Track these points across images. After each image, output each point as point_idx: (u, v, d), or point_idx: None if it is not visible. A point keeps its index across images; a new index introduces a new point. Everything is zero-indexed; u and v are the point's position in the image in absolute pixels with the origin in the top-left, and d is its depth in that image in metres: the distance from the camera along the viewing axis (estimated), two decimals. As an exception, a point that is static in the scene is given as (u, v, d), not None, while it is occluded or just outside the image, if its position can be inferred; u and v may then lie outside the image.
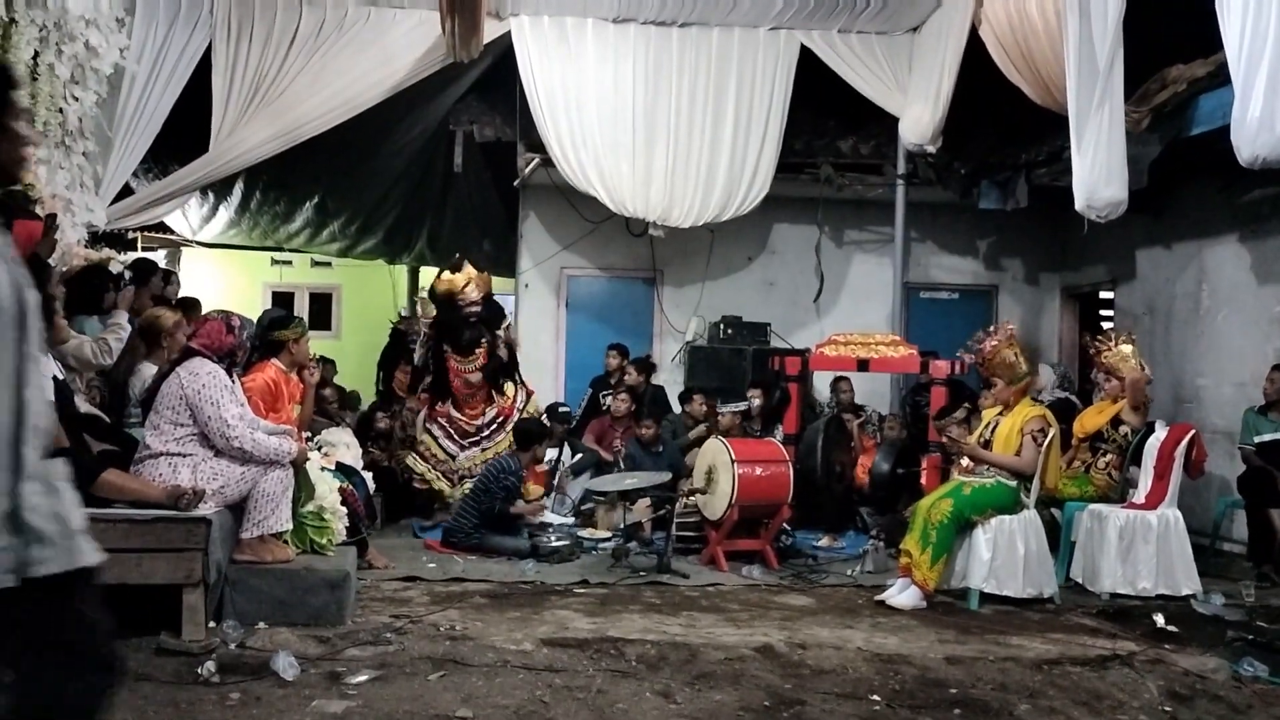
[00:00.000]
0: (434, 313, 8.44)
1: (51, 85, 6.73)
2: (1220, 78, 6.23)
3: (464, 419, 8.17)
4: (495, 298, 8.72)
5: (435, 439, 8.16)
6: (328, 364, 9.40)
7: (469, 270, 8.27)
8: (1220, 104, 6.28)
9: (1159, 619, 5.58)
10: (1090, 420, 6.97)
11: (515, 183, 10.06)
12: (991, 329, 6.54)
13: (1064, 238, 10.47)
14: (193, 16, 8.38)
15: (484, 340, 8.17)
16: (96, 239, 7.95)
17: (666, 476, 7.37)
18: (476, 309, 8.18)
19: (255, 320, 5.62)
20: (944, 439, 6.90)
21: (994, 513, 5.97)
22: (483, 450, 8.05)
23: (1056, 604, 6.01)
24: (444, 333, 8.20)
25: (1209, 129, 6.60)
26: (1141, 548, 6.25)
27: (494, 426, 8.16)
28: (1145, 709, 4.27)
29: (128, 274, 6.76)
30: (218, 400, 4.81)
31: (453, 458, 8.11)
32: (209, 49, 8.43)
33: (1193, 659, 4.97)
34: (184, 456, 4.78)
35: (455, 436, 8.16)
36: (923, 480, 7.30)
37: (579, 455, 8.59)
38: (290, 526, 5.08)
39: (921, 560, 5.86)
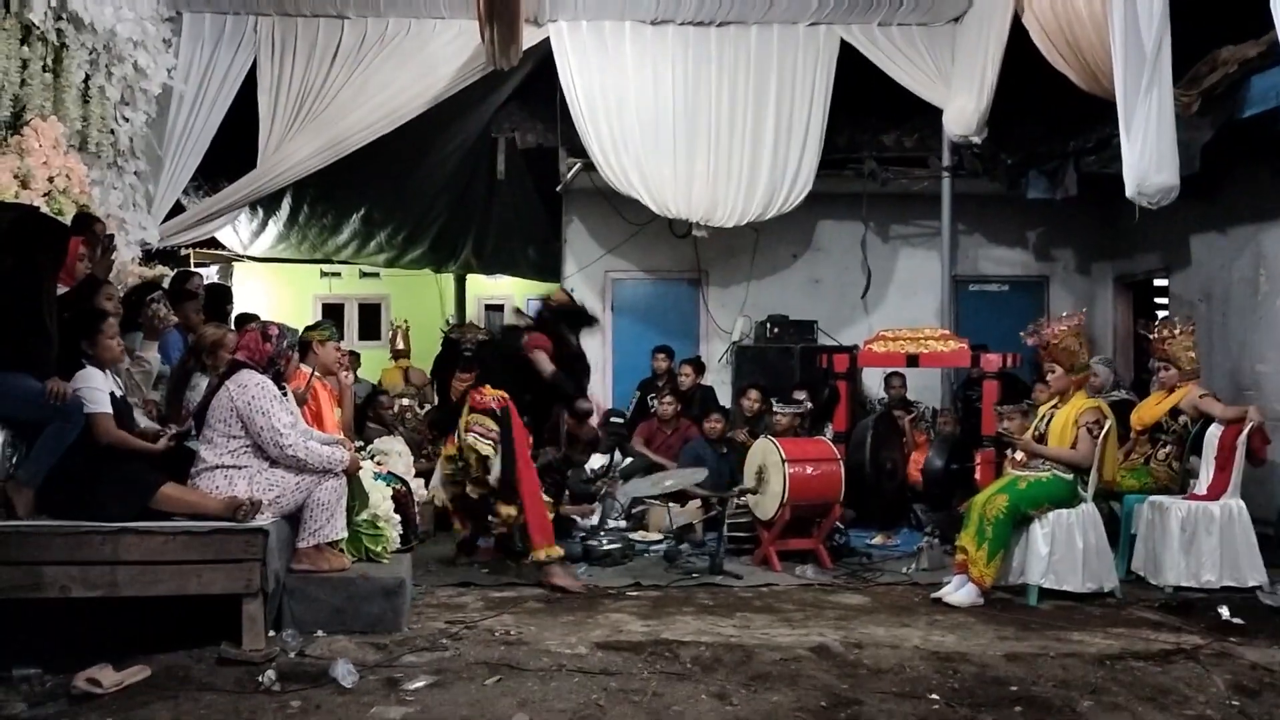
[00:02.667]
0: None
1: (102, 107, 6.89)
2: (1272, 58, 6.11)
3: None
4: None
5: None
6: (352, 355, 9.49)
7: None
8: (1273, 84, 6.17)
9: (1224, 611, 5.48)
10: (1148, 411, 6.84)
11: (558, 188, 10.10)
12: (1061, 315, 6.44)
13: (1115, 226, 10.29)
14: (237, 35, 8.53)
15: None
16: (150, 256, 8.10)
17: (703, 474, 7.31)
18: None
19: (294, 327, 5.64)
20: (1000, 429, 6.80)
21: (1050, 507, 5.89)
22: None
23: (1118, 598, 5.91)
24: None
25: (1262, 110, 6.48)
26: (1204, 539, 6.12)
27: None
28: (1211, 703, 4.18)
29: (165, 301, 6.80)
30: (268, 410, 4.87)
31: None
32: (254, 67, 8.57)
33: (1260, 651, 4.87)
34: (239, 469, 4.85)
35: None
36: (976, 475, 7.21)
37: (629, 460, 8.59)
38: (345, 535, 5.13)
39: (978, 556, 5.79)
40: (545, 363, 6.40)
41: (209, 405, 4.96)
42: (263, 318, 7.22)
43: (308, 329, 6.29)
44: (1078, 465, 5.97)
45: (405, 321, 12.29)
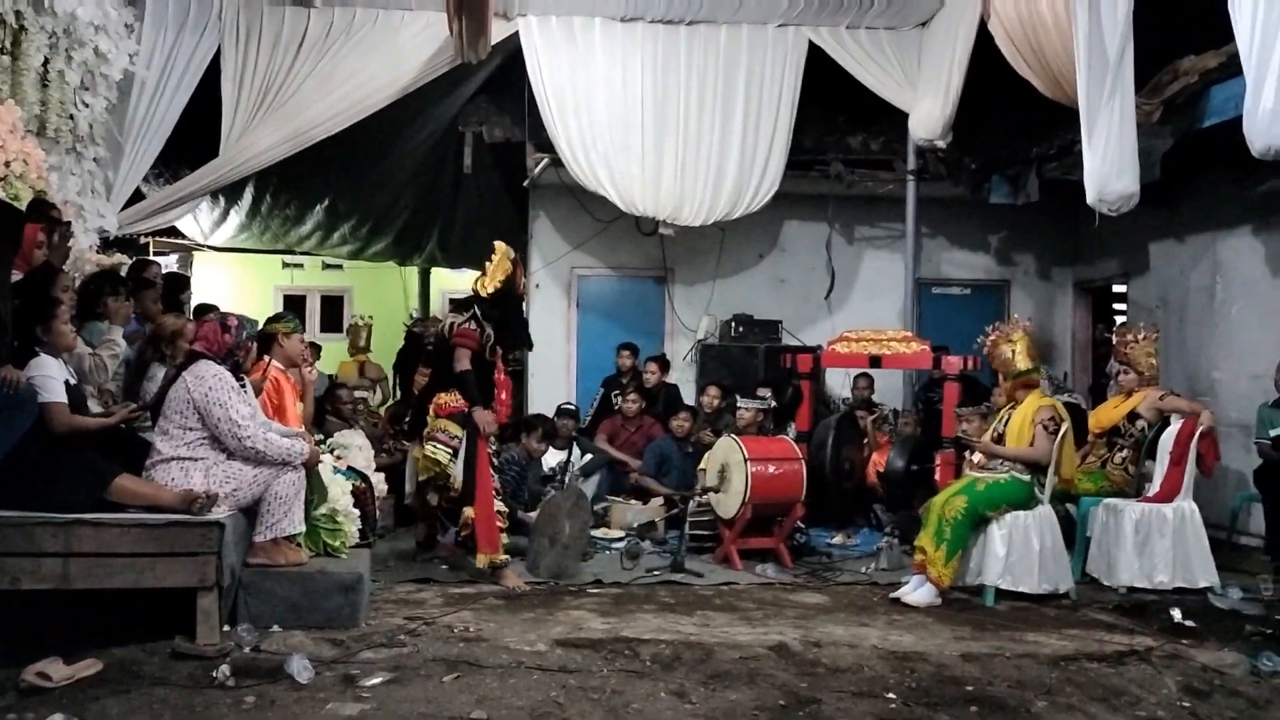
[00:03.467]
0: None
1: (62, 92, 6.75)
2: (1232, 69, 6.18)
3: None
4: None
5: None
6: (313, 347, 9.31)
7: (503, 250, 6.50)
8: (1232, 95, 6.24)
9: (1176, 613, 5.55)
10: (1106, 415, 6.93)
11: (525, 183, 10.06)
12: (999, 323, 6.51)
13: (1076, 232, 10.41)
14: (201, 21, 8.40)
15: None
16: (108, 244, 7.98)
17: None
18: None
19: (251, 319, 5.55)
20: (959, 431, 6.87)
21: (1008, 508, 5.95)
22: None
23: (1073, 599, 5.98)
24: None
25: (1221, 120, 6.55)
26: (1158, 541, 6.22)
27: None
28: (1163, 705, 4.24)
29: (128, 283, 6.72)
30: (225, 401, 4.81)
31: None
32: (218, 54, 8.45)
33: (1211, 654, 4.94)
34: (195, 460, 4.78)
35: None
36: (936, 476, 7.27)
37: (588, 455, 8.57)
38: (303, 529, 5.08)
39: (936, 557, 5.84)
40: (462, 359, 6.25)
41: (165, 396, 4.89)
42: (222, 308, 7.15)
43: (270, 320, 6.22)
44: (1035, 462, 6.03)
45: (369, 317, 12.18)
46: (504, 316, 6.37)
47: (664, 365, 9.39)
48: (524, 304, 7.02)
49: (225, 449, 4.83)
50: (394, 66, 8.58)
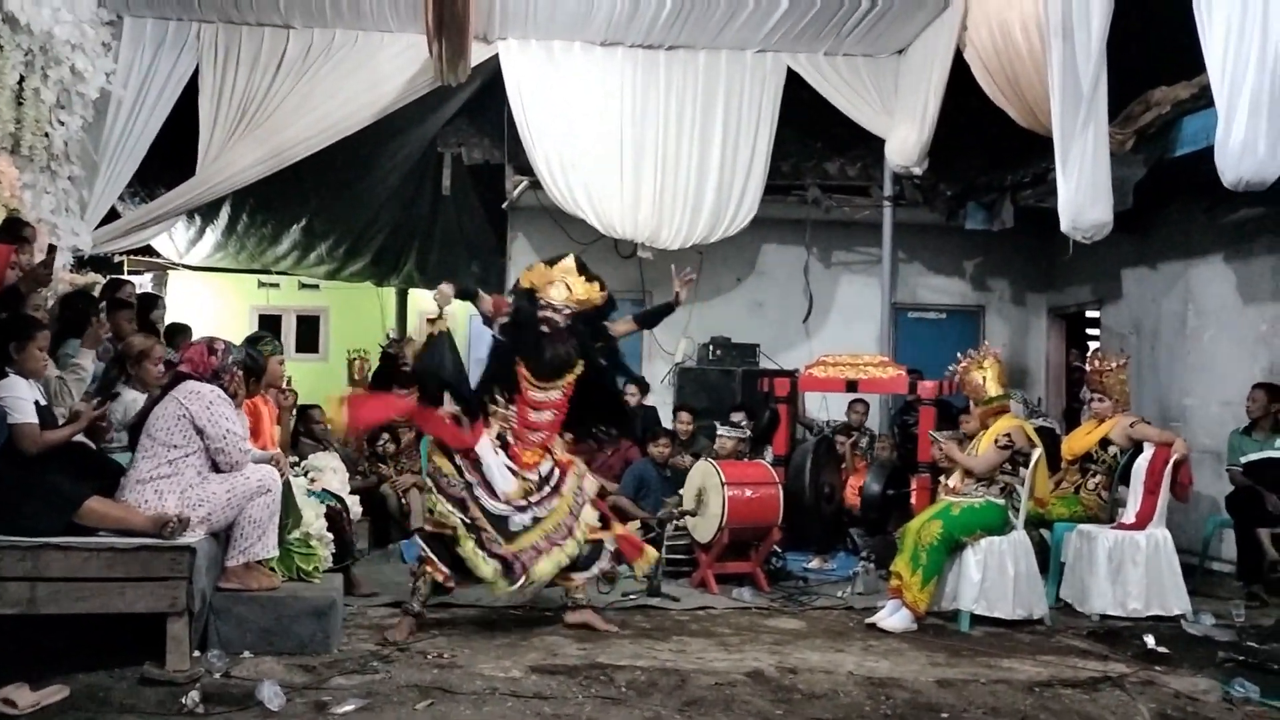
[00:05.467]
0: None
1: (37, 110, 6.72)
2: (1204, 99, 6.27)
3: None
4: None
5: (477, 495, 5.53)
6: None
7: (569, 267, 5.92)
8: (1204, 125, 6.32)
9: (1149, 640, 5.57)
10: (1079, 441, 6.97)
11: (503, 205, 10.06)
12: (973, 350, 6.54)
13: (1050, 258, 10.50)
14: (179, 41, 8.38)
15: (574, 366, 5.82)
16: (82, 263, 7.91)
17: None
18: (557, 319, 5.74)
19: (240, 345, 5.53)
20: (935, 450, 6.87)
21: (983, 533, 5.96)
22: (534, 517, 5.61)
23: (1047, 625, 5.99)
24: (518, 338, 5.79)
25: (1193, 150, 6.64)
26: (1131, 568, 6.24)
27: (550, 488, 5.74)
28: (1137, 732, 4.25)
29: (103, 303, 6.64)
30: (229, 415, 4.85)
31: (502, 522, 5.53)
32: (196, 73, 8.42)
33: (1184, 680, 4.96)
34: (169, 480, 4.69)
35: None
36: (912, 501, 7.29)
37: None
38: (277, 553, 5.03)
39: (912, 582, 5.84)
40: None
41: (148, 416, 4.83)
42: (196, 328, 7.10)
43: (249, 340, 6.18)
44: (971, 470, 6.09)
45: (365, 352, 12.04)
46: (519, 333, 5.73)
47: (643, 388, 9.37)
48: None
49: (203, 470, 4.78)
50: (373, 87, 8.58)
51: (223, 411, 4.82)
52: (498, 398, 5.68)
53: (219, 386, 4.99)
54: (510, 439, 5.65)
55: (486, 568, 5.37)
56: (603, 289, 5.92)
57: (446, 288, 5.70)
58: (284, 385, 6.59)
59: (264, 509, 4.88)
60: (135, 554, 4.39)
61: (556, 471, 5.75)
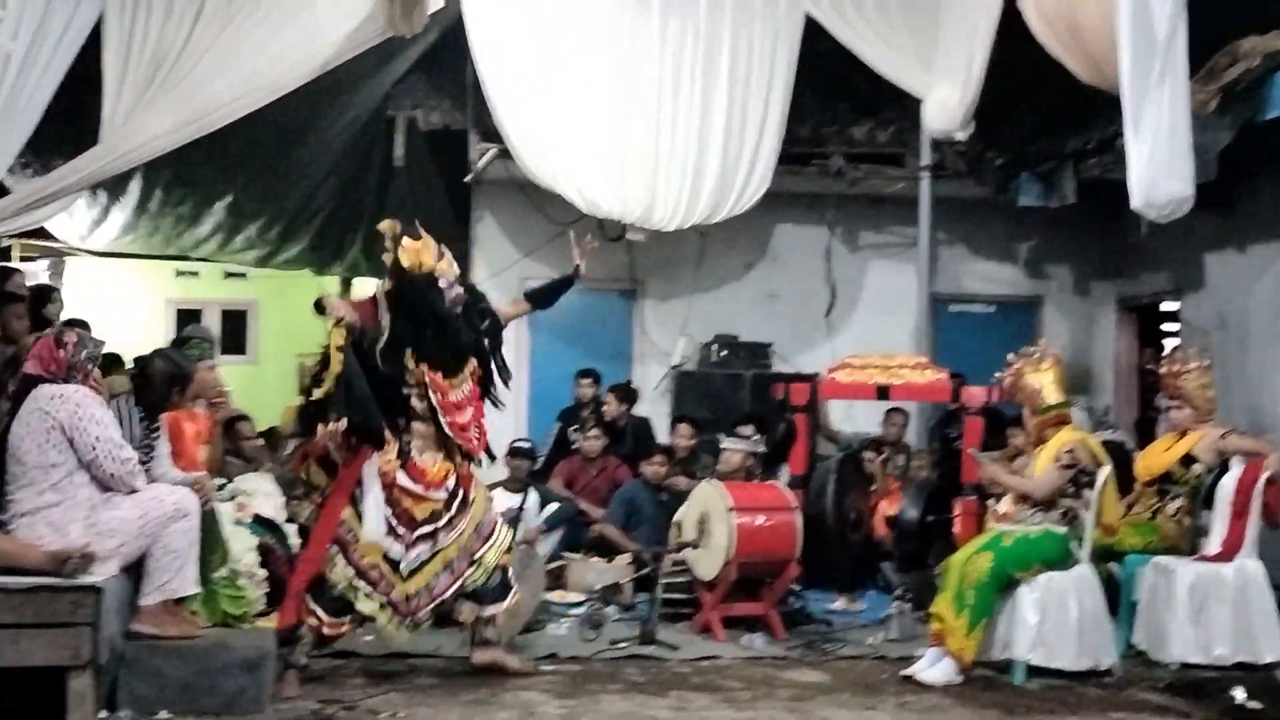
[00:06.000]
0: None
1: (-91, 66, 6.71)
2: (1302, 51, 6.30)
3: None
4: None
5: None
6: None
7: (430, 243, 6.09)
8: (1303, 82, 6.36)
9: (1238, 693, 5.60)
10: (1155, 459, 6.97)
11: (467, 178, 10.07)
12: (1028, 350, 6.56)
13: (1119, 240, 10.53)
14: (80, -15, 8.38)
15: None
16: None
17: None
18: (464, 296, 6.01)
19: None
20: (981, 474, 6.90)
21: (1041, 568, 5.99)
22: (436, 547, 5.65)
23: (1116, 676, 6.03)
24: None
25: (1290, 111, 6.68)
26: (1216, 608, 6.26)
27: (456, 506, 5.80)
28: (1224, 803, 4.28)
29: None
30: (99, 418, 4.80)
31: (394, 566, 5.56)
32: (99, 22, 8.41)
33: (1279, 741, 5.00)
34: (59, 507, 4.69)
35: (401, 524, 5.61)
36: (956, 529, 7.32)
37: (550, 505, 8.51)
38: (199, 590, 5.04)
39: (956, 626, 5.86)
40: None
41: (6, 437, 4.81)
42: (96, 324, 7.08)
43: (176, 341, 6.17)
44: (1030, 495, 6.12)
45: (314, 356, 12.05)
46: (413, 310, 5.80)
47: (624, 396, 9.38)
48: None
49: (99, 482, 4.77)
50: (311, 39, 8.54)
51: (91, 414, 4.79)
52: (414, 422, 5.71)
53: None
54: (415, 453, 5.66)
55: (382, 614, 5.47)
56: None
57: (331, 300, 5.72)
58: (216, 396, 6.57)
59: (182, 537, 4.89)
60: (30, 596, 4.41)
61: (461, 487, 5.81)
